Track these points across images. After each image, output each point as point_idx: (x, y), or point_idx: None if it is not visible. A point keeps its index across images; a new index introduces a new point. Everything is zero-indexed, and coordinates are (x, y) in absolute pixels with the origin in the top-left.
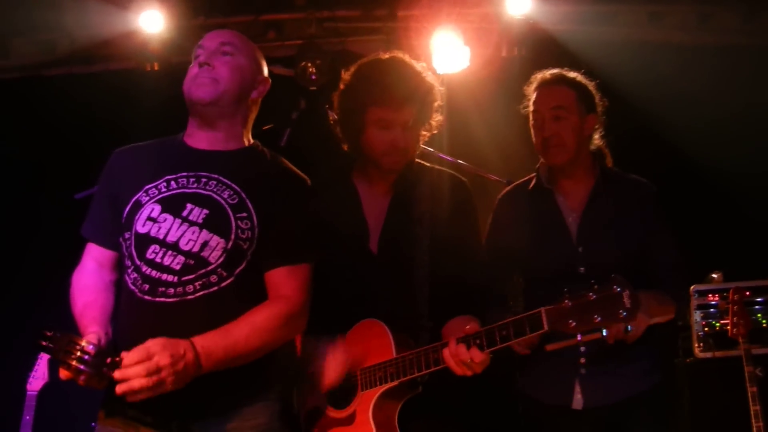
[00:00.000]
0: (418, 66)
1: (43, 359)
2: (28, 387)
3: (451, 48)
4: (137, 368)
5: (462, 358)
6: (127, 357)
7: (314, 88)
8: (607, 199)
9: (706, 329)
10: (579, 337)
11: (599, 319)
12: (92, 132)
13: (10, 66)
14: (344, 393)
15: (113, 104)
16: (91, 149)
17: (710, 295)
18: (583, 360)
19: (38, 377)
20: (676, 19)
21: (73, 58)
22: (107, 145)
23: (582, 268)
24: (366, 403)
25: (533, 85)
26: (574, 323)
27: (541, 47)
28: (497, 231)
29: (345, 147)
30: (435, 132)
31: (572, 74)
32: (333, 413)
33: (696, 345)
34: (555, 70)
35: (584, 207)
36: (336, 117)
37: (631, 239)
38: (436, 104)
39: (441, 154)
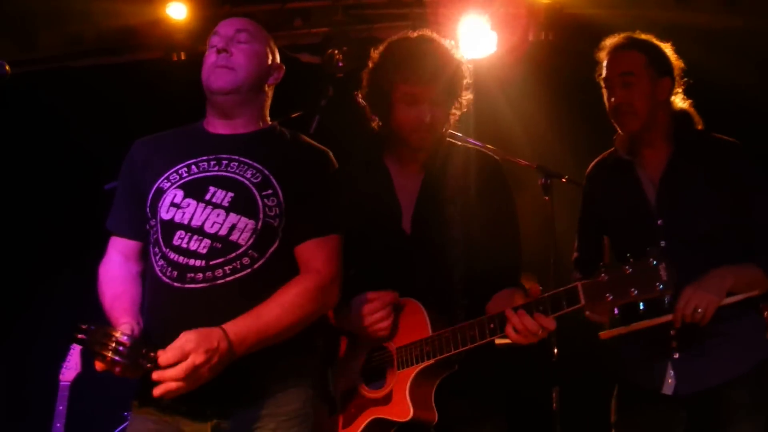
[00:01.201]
0: (446, 43)
1: (76, 349)
2: (61, 377)
3: (478, 33)
4: (174, 371)
5: (530, 327)
6: (163, 356)
7: (341, 75)
8: (689, 165)
9: None
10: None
11: (636, 292)
12: (120, 123)
13: (36, 58)
14: (379, 372)
15: (140, 94)
16: (118, 140)
17: None
18: (674, 343)
19: (71, 367)
20: (703, 2)
21: (99, 49)
22: (135, 135)
23: (663, 242)
24: (403, 382)
25: (603, 51)
26: (611, 297)
27: (568, 31)
28: (588, 206)
29: (374, 126)
30: (464, 110)
31: (643, 37)
32: (368, 393)
33: None
34: (625, 34)
35: (660, 177)
36: (364, 95)
37: (720, 207)
38: (464, 81)
39: (469, 139)
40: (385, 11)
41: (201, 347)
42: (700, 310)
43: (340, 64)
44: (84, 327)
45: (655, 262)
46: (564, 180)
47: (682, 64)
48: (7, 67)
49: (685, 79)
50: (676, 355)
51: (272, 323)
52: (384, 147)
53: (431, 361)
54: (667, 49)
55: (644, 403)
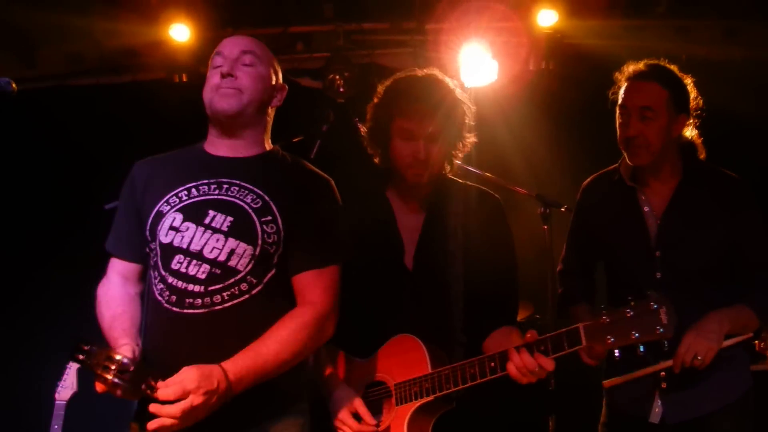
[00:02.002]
0: (451, 83)
1: (72, 368)
2: (57, 396)
3: (480, 61)
4: (172, 409)
5: (530, 366)
6: (163, 391)
7: (342, 100)
8: (693, 199)
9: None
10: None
11: (636, 335)
12: (119, 143)
13: (36, 76)
14: (376, 407)
15: (141, 115)
16: (118, 160)
17: None
18: (662, 374)
19: (67, 386)
20: (702, 34)
21: (100, 69)
22: (134, 156)
23: (659, 274)
24: (401, 417)
25: (624, 75)
26: (612, 339)
27: (569, 60)
28: (581, 219)
29: (376, 160)
30: (467, 151)
31: (668, 68)
32: None
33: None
34: (651, 62)
35: (665, 209)
36: (367, 129)
37: (718, 242)
38: (465, 121)
39: (469, 167)
40: (386, 37)
41: (201, 388)
42: (699, 357)
43: (341, 89)
44: (85, 348)
45: (655, 306)
46: (563, 209)
47: (701, 102)
48: (14, 85)
49: (698, 112)
50: (664, 385)
51: (270, 361)
52: (386, 180)
53: (430, 398)
54: (689, 83)
55: (635, 429)
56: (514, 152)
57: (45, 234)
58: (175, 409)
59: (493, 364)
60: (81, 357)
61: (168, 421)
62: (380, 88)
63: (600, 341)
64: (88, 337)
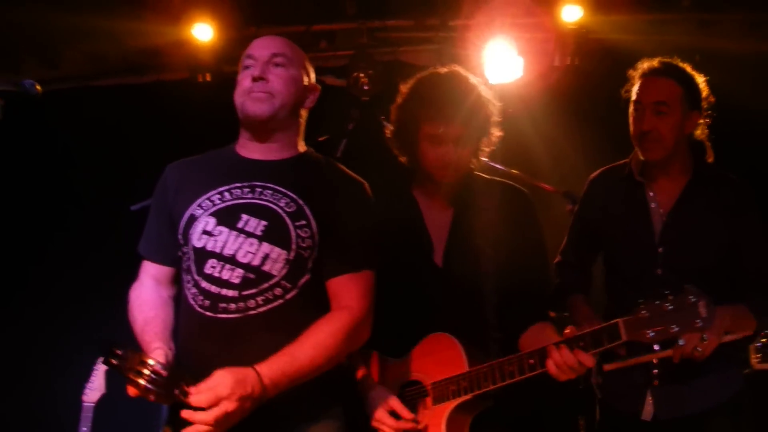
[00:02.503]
0: (474, 80)
1: (100, 370)
2: (85, 398)
3: (504, 58)
4: (205, 416)
5: (569, 362)
6: (196, 397)
7: (366, 98)
8: (700, 200)
9: (763, 339)
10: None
11: (676, 328)
12: (144, 143)
13: (60, 76)
14: (413, 407)
15: (165, 115)
16: (142, 160)
17: None
18: (656, 371)
19: (95, 388)
20: (727, 27)
21: (124, 69)
22: (159, 156)
23: (659, 270)
24: (439, 417)
25: (638, 72)
26: (651, 333)
27: (594, 56)
28: (585, 211)
29: (402, 160)
30: (493, 147)
31: (682, 66)
32: None
33: (753, 356)
34: (664, 59)
35: (673, 206)
36: (392, 131)
37: (720, 244)
38: (491, 119)
39: (495, 164)
40: (410, 34)
41: (235, 394)
42: (700, 349)
43: (366, 87)
44: (118, 352)
45: (693, 299)
46: None
47: (712, 99)
48: (38, 87)
49: (710, 112)
50: (656, 383)
51: (306, 365)
52: (413, 178)
53: (468, 396)
54: (701, 81)
55: (624, 428)
56: (541, 149)
57: (73, 236)
58: (209, 416)
59: (532, 361)
60: (114, 361)
61: (202, 429)
62: (403, 89)
63: (639, 336)
64: (119, 340)
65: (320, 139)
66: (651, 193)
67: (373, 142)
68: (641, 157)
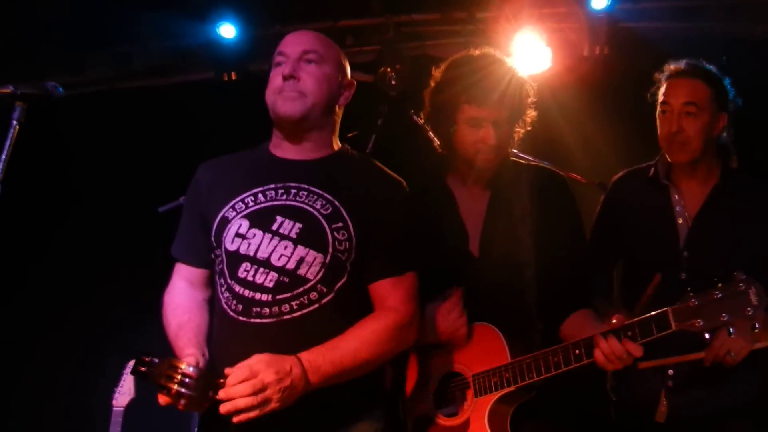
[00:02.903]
0: (509, 62)
1: (129, 374)
2: (114, 403)
3: (533, 49)
4: (242, 387)
5: (618, 352)
6: (232, 376)
7: (395, 93)
8: (726, 205)
9: None
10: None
11: (726, 317)
12: (171, 145)
13: (85, 81)
14: (453, 399)
15: (191, 116)
16: (170, 162)
17: None
18: (671, 372)
19: (124, 392)
20: (761, 13)
21: (149, 71)
22: (187, 158)
23: (683, 275)
24: (481, 409)
25: (665, 74)
26: (701, 322)
27: (623, 45)
28: (608, 213)
29: (437, 146)
30: (529, 128)
31: (709, 67)
32: (444, 421)
33: None
34: (691, 60)
35: (699, 210)
36: (427, 115)
37: (749, 251)
38: (529, 100)
39: (526, 156)
40: (437, 28)
41: (271, 367)
42: (733, 354)
43: (393, 82)
44: (147, 360)
45: (744, 287)
46: None
47: (738, 102)
48: (61, 89)
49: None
50: (670, 384)
51: (348, 356)
52: (446, 167)
53: (512, 388)
54: (728, 83)
55: (638, 429)
56: (570, 140)
57: (103, 240)
58: (245, 386)
59: (578, 351)
60: (143, 369)
61: (240, 403)
62: (437, 73)
63: (689, 325)
64: (149, 345)
65: (349, 135)
66: (676, 196)
67: (402, 137)
68: (668, 159)
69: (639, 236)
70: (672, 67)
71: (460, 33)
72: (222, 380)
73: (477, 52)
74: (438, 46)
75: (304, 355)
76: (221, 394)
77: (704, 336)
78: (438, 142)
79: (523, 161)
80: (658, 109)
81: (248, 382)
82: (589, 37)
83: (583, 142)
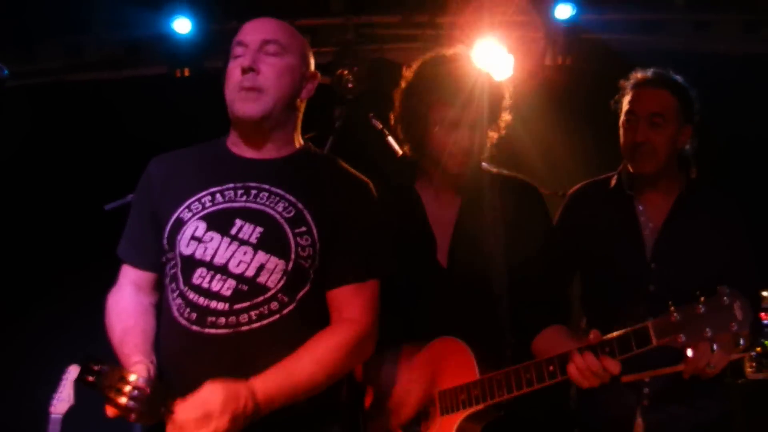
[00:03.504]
0: (482, 64)
1: (69, 379)
2: (52, 410)
3: (495, 56)
4: (192, 422)
5: (594, 369)
6: (183, 410)
7: (351, 96)
8: (690, 215)
9: (758, 349)
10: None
11: (710, 332)
12: (120, 141)
13: (34, 70)
14: (417, 417)
15: (142, 111)
16: (118, 158)
17: (762, 313)
18: (647, 389)
19: (63, 399)
20: (722, 29)
21: (100, 63)
22: (135, 154)
23: (652, 287)
24: (447, 428)
25: (631, 82)
26: (683, 337)
27: (586, 55)
28: (566, 228)
29: (406, 150)
30: (502, 133)
31: (676, 78)
32: None
33: (748, 365)
34: (658, 70)
35: (664, 221)
36: (398, 116)
37: (714, 260)
38: (504, 103)
39: (485, 164)
40: (397, 32)
41: (227, 410)
42: (712, 365)
43: (350, 85)
44: (95, 368)
45: (728, 301)
46: None
47: (700, 117)
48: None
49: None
50: (645, 402)
51: (304, 381)
52: (414, 172)
53: (480, 406)
54: (694, 96)
55: None
56: (532, 149)
57: (45, 237)
58: (196, 422)
59: (552, 368)
60: (90, 378)
61: None
62: (409, 73)
63: (671, 340)
64: (95, 353)
65: (306, 136)
66: (640, 207)
67: (362, 141)
68: (631, 170)
69: (602, 249)
70: (639, 75)
71: (420, 37)
72: (172, 401)
73: (450, 51)
74: (397, 50)
75: (260, 386)
76: (169, 427)
77: (686, 351)
78: (398, 149)
79: (495, 170)
80: (622, 118)
81: (199, 417)
82: (552, 46)
83: (543, 151)
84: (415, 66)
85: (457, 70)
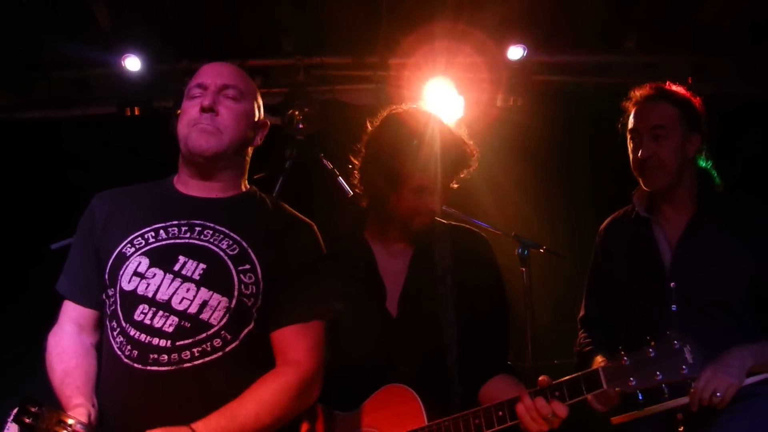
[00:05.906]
0: (456, 128)
1: (12, 429)
2: None
3: (445, 97)
4: None
5: (544, 412)
6: None
7: (302, 137)
8: (708, 229)
9: None
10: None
11: (660, 376)
12: (67, 180)
13: None
14: None
15: (91, 150)
16: (66, 197)
17: None
18: (680, 416)
19: None
20: (671, 69)
21: (49, 101)
22: (82, 193)
23: (674, 306)
24: None
25: (631, 101)
26: (634, 381)
27: (537, 97)
28: (601, 259)
29: (350, 192)
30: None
31: (675, 89)
32: None
33: None
34: (656, 84)
35: (679, 237)
36: (363, 171)
37: (738, 275)
38: (468, 160)
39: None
40: (347, 73)
41: None
42: (719, 394)
43: (301, 125)
44: (32, 409)
45: (678, 345)
46: (542, 250)
47: (707, 120)
48: None
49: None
50: (681, 429)
51: (248, 425)
52: (364, 221)
53: None
54: (698, 103)
55: None
56: (483, 190)
57: None
58: None
59: (501, 413)
60: (27, 420)
61: None
62: (378, 130)
63: (621, 384)
64: (34, 394)
65: (256, 177)
66: (657, 227)
67: (310, 180)
68: (644, 188)
69: (628, 275)
70: (638, 93)
71: (371, 78)
72: None
73: (414, 108)
74: (348, 91)
75: (201, 428)
76: None
77: (663, 391)
78: (348, 190)
79: (444, 221)
80: (628, 137)
81: None
82: (503, 87)
83: (495, 193)
84: (384, 121)
85: (428, 135)
